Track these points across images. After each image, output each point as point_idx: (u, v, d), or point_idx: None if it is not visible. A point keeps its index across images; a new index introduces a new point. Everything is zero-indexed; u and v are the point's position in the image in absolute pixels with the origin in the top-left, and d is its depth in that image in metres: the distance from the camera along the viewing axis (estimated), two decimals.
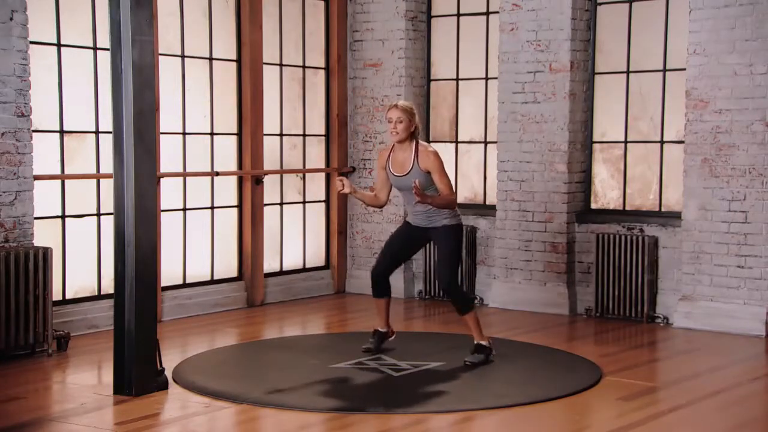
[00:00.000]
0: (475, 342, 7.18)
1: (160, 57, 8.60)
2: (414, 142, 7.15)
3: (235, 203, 9.51)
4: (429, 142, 10.23)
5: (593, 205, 9.40)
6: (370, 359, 7.29)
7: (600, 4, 9.28)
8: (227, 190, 9.45)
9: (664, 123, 9.02)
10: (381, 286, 7.43)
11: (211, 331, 8.42)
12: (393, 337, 7.63)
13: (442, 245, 7.16)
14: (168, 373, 6.62)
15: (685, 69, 8.65)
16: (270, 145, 9.76)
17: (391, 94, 10.10)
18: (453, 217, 7.16)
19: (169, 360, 6.99)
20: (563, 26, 9.15)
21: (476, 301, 9.70)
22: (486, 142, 9.93)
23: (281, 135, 9.94)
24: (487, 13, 9.89)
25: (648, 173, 9.16)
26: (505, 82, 9.48)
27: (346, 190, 7.18)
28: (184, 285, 9.04)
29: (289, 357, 7.40)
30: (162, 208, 8.57)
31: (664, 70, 8.99)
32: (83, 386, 6.61)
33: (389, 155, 7.25)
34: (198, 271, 9.20)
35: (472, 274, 9.81)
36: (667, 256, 8.89)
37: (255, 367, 7.16)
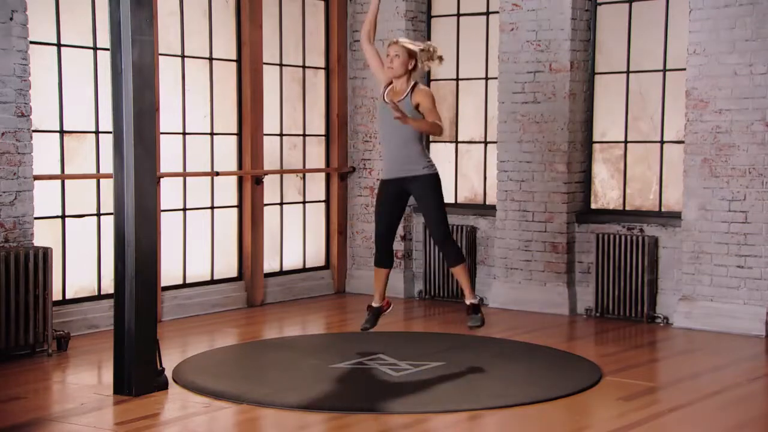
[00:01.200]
0: (468, 302, 7.15)
1: (160, 57, 8.60)
2: (411, 82, 7.07)
3: (235, 203, 9.51)
4: (429, 142, 10.24)
5: (593, 205, 9.40)
6: (370, 359, 7.29)
7: (600, 4, 9.28)
8: (227, 190, 9.45)
9: (664, 123, 9.02)
10: (385, 255, 7.30)
11: (211, 331, 8.43)
12: (390, 309, 7.51)
13: (427, 197, 7.06)
14: (168, 373, 6.62)
15: (685, 69, 8.65)
16: (270, 145, 9.76)
17: None
18: (429, 167, 7.08)
19: (169, 360, 6.99)
20: (563, 26, 9.15)
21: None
22: (486, 142, 9.94)
23: (281, 135, 9.94)
24: (487, 13, 9.89)
25: (648, 173, 9.16)
26: (505, 82, 9.48)
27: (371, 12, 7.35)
28: (184, 285, 9.04)
29: (289, 357, 7.40)
30: (162, 208, 8.57)
31: (664, 70, 8.99)
32: (83, 386, 6.61)
33: (386, 88, 7.17)
34: (198, 271, 9.20)
35: (472, 274, 9.80)
36: (667, 256, 8.89)
37: (255, 367, 7.16)
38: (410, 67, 7.07)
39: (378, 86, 7.42)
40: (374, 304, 7.45)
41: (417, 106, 6.97)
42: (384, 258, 7.33)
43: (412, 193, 7.16)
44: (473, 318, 7.14)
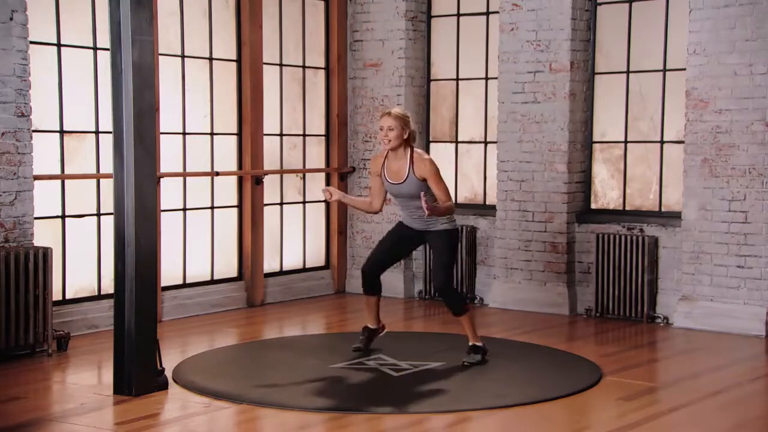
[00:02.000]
0: (470, 344, 7.16)
1: (160, 57, 8.60)
2: (409, 150, 7.05)
3: (235, 203, 9.51)
4: (429, 142, 10.25)
5: (593, 205, 9.40)
6: (370, 359, 7.29)
7: (600, 4, 9.28)
8: (227, 190, 9.45)
9: (664, 123, 9.02)
10: (371, 283, 7.38)
11: (211, 331, 8.43)
12: (383, 333, 7.59)
13: (438, 248, 7.11)
14: (168, 373, 6.62)
15: (685, 69, 8.65)
16: (270, 145, 9.76)
17: (391, 94, 10.10)
18: (449, 222, 7.13)
19: (169, 360, 6.99)
20: (563, 26, 9.15)
21: (476, 301, 9.72)
22: (486, 142, 9.94)
23: (281, 135, 9.94)
24: (487, 13, 9.89)
25: (648, 173, 9.16)
26: (505, 82, 9.48)
27: (335, 197, 7.19)
28: (184, 285, 9.04)
29: (289, 357, 7.40)
30: (162, 208, 8.57)
31: (664, 70, 8.99)
32: (83, 386, 6.61)
33: (384, 162, 7.16)
34: (198, 271, 9.20)
35: (472, 274, 9.81)
36: (667, 256, 8.89)
37: (255, 367, 7.16)
38: (406, 137, 7.03)
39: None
40: (370, 326, 7.50)
41: (423, 179, 6.98)
42: (372, 287, 7.41)
43: (427, 241, 7.23)
44: (472, 356, 7.11)
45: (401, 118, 7.01)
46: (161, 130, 8.52)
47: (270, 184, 9.77)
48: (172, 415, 6.04)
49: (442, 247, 7.10)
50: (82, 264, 8.24)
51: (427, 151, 10.27)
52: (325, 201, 10.28)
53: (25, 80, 7.43)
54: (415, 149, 7.09)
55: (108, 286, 8.12)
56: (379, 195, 7.30)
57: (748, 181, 8.34)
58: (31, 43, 7.55)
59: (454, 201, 9.95)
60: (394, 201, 7.32)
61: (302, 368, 7.05)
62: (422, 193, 6.79)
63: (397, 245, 7.36)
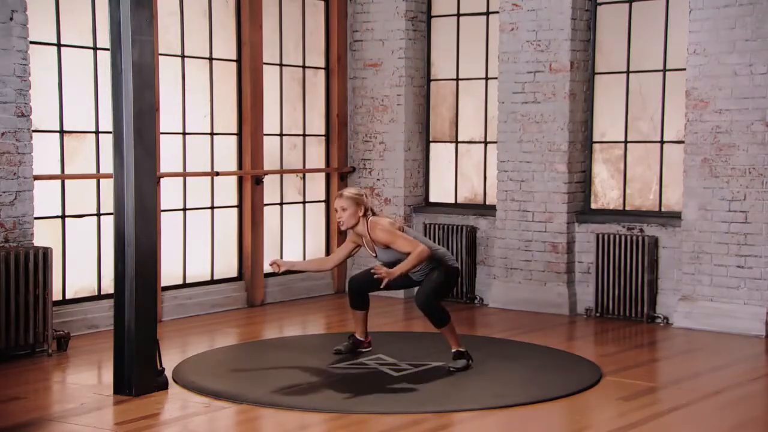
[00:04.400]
0: (454, 350, 7.10)
1: (160, 57, 8.60)
2: (366, 223, 7.07)
3: (235, 203, 9.51)
4: (429, 142, 10.26)
5: (593, 205, 9.40)
6: (370, 359, 7.29)
7: (600, 4, 9.28)
8: (227, 190, 9.45)
9: (664, 123, 9.02)
10: (358, 299, 7.43)
11: (211, 331, 8.43)
12: (369, 349, 7.55)
13: (429, 278, 7.03)
14: (168, 373, 6.62)
15: (685, 69, 8.65)
16: (270, 145, 9.76)
17: (391, 94, 10.11)
18: (444, 264, 7.05)
19: (169, 360, 6.99)
20: (563, 26, 9.15)
21: (476, 301, 9.72)
22: (486, 142, 9.93)
23: (281, 135, 9.94)
24: (487, 13, 9.89)
25: (648, 173, 9.16)
26: (505, 82, 9.48)
27: (283, 268, 7.26)
28: (184, 285, 9.04)
29: (289, 357, 7.40)
30: (162, 208, 8.57)
31: (664, 70, 8.99)
32: (83, 386, 6.61)
33: (358, 236, 7.21)
34: (198, 271, 9.20)
35: (472, 274, 9.81)
36: (667, 256, 8.89)
37: (255, 367, 7.16)
38: (361, 214, 7.07)
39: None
40: (357, 336, 7.50)
41: (387, 245, 6.98)
42: (358, 302, 7.44)
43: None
44: (457, 361, 7.06)
45: (353, 199, 7.07)
46: (161, 130, 8.52)
47: (270, 184, 9.77)
48: (172, 415, 6.04)
49: (435, 277, 7.01)
50: (82, 264, 8.24)
51: (427, 150, 10.28)
52: (325, 201, 10.32)
53: (25, 80, 7.43)
54: (370, 219, 7.08)
55: (108, 286, 8.12)
56: (339, 255, 7.44)
57: (748, 181, 8.34)
58: (31, 43, 7.55)
59: (454, 200, 10.03)
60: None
61: (302, 368, 7.05)
62: (375, 266, 6.84)
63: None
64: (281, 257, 9.96)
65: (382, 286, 6.93)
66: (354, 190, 7.20)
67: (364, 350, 7.53)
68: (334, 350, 7.47)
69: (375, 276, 6.83)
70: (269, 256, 9.77)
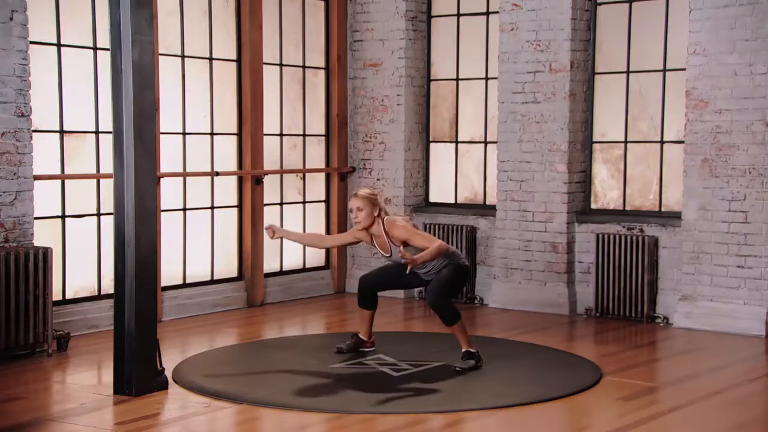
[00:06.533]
0: (464, 350, 7.12)
1: (160, 57, 8.60)
2: (381, 224, 7.11)
3: (235, 203, 9.51)
4: (429, 142, 10.26)
5: (593, 205, 9.40)
6: (370, 359, 7.29)
7: (600, 4, 9.28)
8: (227, 190, 9.45)
9: (664, 123, 9.02)
10: (367, 298, 7.44)
11: (211, 331, 8.43)
12: (371, 350, 7.55)
13: (439, 276, 7.09)
14: (168, 373, 6.62)
15: (685, 69, 8.65)
16: (270, 145, 9.76)
17: (391, 94, 10.11)
18: (454, 262, 7.10)
19: (169, 360, 6.99)
20: (563, 26, 9.15)
21: (476, 301, 9.73)
22: (486, 142, 9.93)
23: (281, 135, 9.94)
24: (487, 13, 9.89)
25: (648, 173, 9.16)
26: (505, 82, 9.48)
27: (277, 235, 7.32)
28: (184, 285, 9.04)
29: (289, 357, 7.40)
30: (162, 208, 8.57)
31: (664, 70, 8.99)
32: (83, 386, 6.61)
33: (368, 234, 7.22)
34: (198, 271, 9.20)
35: (473, 274, 9.80)
36: (667, 256, 8.89)
37: (255, 367, 7.15)
38: (376, 214, 7.12)
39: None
40: (361, 336, 7.50)
41: (404, 243, 7.02)
42: (368, 301, 7.45)
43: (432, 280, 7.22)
44: (465, 362, 7.05)
45: (369, 199, 7.13)
46: (161, 130, 8.52)
47: (270, 184, 9.77)
48: (172, 415, 6.04)
49: (445, 274, 7.07)
50: (82, 264, 8.24)
51: (427, 150, 10.28)
52: (325, 201, 10.32)
53: (25, 80, 7.43)
54: (385, 219, 7.14)
55: (108, 286, 8.12)
56: (341, 240, 7.65)
57: (748, 181, 8.34)
58: (31, 43, 7.56)
59: (454, 200, 10.03)
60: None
61: (302, 368, 7.05)
62: (400, 248, 6.86)
63: (403, 276, 7.25)
64: (281, 257, 9.97)
65: (407, 272, 6.92)
66: (368, 190, 7.25)
67: (366, 350, 7.53)
68: (335, 349, 7.47)
69: (403, 260, 6.83)
70: (269, 256, 9.79)
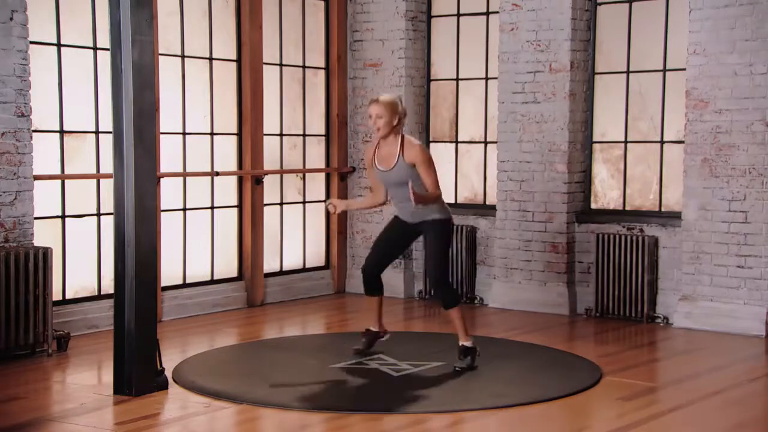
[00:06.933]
0: (461, 344, 7.06)
1: (160, 57, 8.60)
2: (399, 136, 6.99)
3: (235, 203, 9.51)
4: (429, 142, 10.25)
5: (593, 205, 9.40)
6: (370, 359, 7.29)
7: (600, 4, 9.28)
8: (227, 190, 9.45)
9: (664, 123, 9.02)
10: (372, 284, 7.34)
11: (211, 331, 8.43)
12: (387, 337, 7.52)
13: (432, 240, 7.03)
14: (168, 373, 6.62)
15: (685, 69, 8.65)
16: (270, 145, 9.76)
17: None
18: (442, 212, 7.04)
19: (169, 360, 6.99)
20: (563, 26, 9.15)
21: (476, 301, 9.73)
22: (486, 142, 9.94)
23: (281, 135, 9.94)
24: (487, 13, 9.89)
25: (648, 173, 9.16)
26: (505, 82, 9.48)
27: (339, 209, 7.24)
28: (184, 285, 9.04)
29: (289, 357, 7.40)
30: (162, 208, 8.57)
31: (664, 70, 8.99)
32: (83, 386, 6.61)
33: (375, 151, 7.13)
34: (198, 271, 9.20)
35: (472, 274, 9.81)
36: (667, 256, 8.89)
37: (255, 367, 7.16)
38: (395, 123, 6.97)
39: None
40: (372, 329, 7.47)
41: (413, 165, 6.92)
42: (371, 288, 7.37)
43: (422, 232, 7.14)
44: (463, 360, 7.03)
45: (390, 105, 6.95)
46: (161, 130, 8.52)
47: (270, 184, 9.77)
48: (172, 415, 6.04)
49: (434, 237, 7.01)
50: (82, 264, 8.24)
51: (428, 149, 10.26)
52: (325, 201, 10.31)
53: (25, 80, 7.43)
54: (406, 136, 7.04)
55: (108, 286, 8.12)
56: (380, 185, 7.25)
57: (748, 181, 8.34)
58: (31, 43, 7.55)
59: (454, 200, 10.03)
60: (390, 196, 7.28)
61: (302, 368, 7.05)
62: (409, 183, 6.76)
63: (393, 241, 7.28)
64: (281, 257, 9.97)
65: (413, 207, 6.81)
66: (390, 96, 7.04)
67: (383, 339, 7.47)
68: (353, 349, 7.40)
69: (411, 191, 6.65)
70: (269, 256, 9.79)
